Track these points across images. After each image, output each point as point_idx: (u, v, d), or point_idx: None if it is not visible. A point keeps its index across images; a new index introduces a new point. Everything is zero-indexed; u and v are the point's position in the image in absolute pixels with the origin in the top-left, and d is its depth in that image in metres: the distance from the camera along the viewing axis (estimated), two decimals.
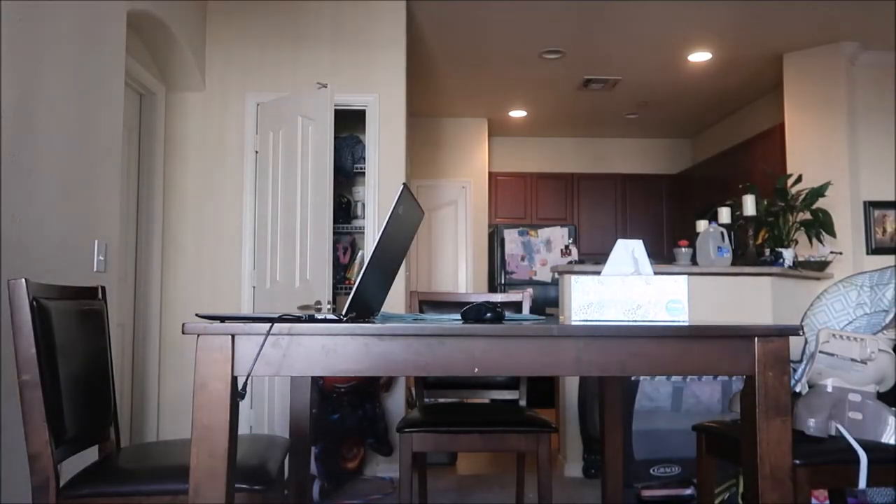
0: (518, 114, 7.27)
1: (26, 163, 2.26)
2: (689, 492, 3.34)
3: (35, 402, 1.52)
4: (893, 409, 1.99)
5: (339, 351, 1.33)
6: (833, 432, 1.97)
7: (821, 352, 2.05)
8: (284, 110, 3.99)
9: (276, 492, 1.82)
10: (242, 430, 3.98)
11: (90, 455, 1.91)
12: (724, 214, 4.42)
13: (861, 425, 1.97)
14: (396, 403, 4.21)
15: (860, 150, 5.32)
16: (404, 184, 1.52)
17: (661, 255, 7.60)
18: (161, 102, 4.08)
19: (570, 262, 5.52)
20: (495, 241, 7.09)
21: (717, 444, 2.17)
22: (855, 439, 1.92)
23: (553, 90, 6.45)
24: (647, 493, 3.33)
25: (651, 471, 3.34)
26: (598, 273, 4.13)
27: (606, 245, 7.75)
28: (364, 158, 4.66)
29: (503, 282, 6.99)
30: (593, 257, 7.23)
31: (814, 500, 3.03)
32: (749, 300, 4.12)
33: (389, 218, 1.43)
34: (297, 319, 1.36)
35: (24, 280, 1.55)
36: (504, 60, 5.66)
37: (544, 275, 6.95)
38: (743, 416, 1.45)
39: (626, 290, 1.67)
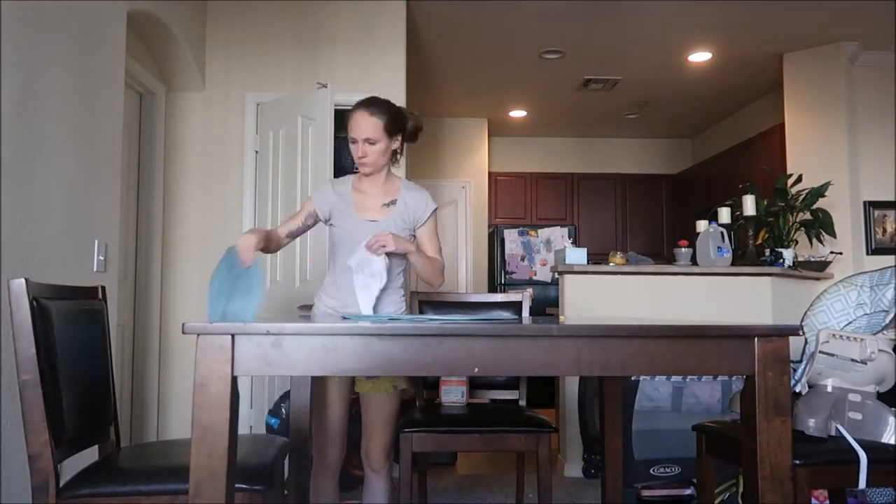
0: (518, 114, 7.27)
1: (26, 163, 2.25)
2: (689, 492, 3.34)
3: (35, 402, 1.52)
4: (893, 409, 1.98)
5: (339, 350, 1.33)
6: (833, 432, 1.97)
7: (821, 352, 2.05)
8: (284, 110, 3.98)
9: (276, 492, 1.82)
10: (242, 430, 3.98)
11: (90, 455, 1.91)
12: (724, 214, 4.42)
13: (861, 425, 1.97)
14: None
15: (860, 150, 5.32)
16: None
17: (661, 255, 7.59)
18: (161, 102, 4.08)
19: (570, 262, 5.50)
20: (495, 241, 7.08)
21: (717, 444, 2.17)
22: (855, 439, 1.92)
23: (553, 90, 6.45)
24: (647, 493, 3.33)
25: (651, 471, 3.33)
26: (598, 273, 4.14)
27: (606, 245, 7.75)
28: None
29: (503, 282, 6.99)
30: (594, 257, 7.21)
31: (814, 500, 3.03)
32: (749, 300, 4.12)
33: None
34: None
35: (24, 280, 1.54)
36: (504, 60, 5.66)
37: (544, 275, 6.95)
38: (743, 416, 1.45)
39: None
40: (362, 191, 2.36)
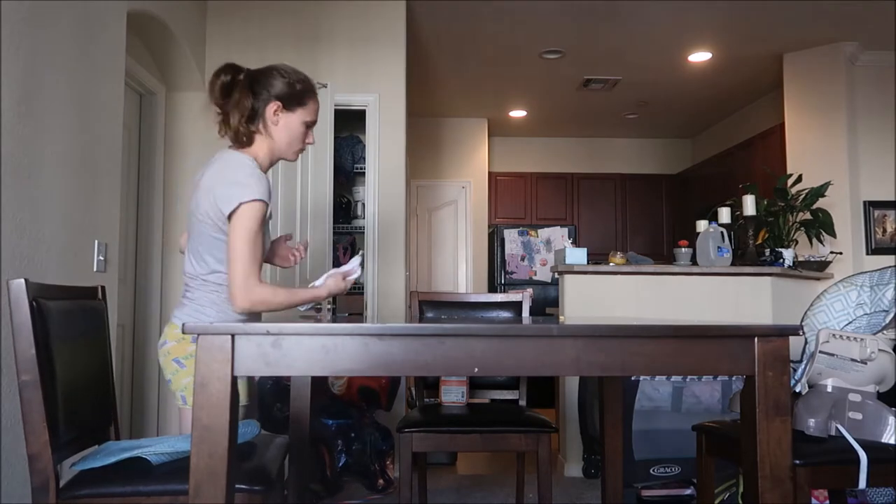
0: (518, 114, 7.27)
1: (26, 163, 2.25)
2: (689, 492, 3.34)
3: (35, 402, 1.52)
4: (893, 409, 1.98)
5: (339, 350, 1.33)
6: (833, 432, 1.97)
7: (821, 352, 2.05)
8: None
9: (276, 492, 1.82)
10: None
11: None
12: (724, 214, 4.42)
13: (861, 425, 1.97)
14: (396, 403, 4.20)
15: (860, 150, 5.32)
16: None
17: (661, 255, 7.59)
18: (161, 102, 4.07)
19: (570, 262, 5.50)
20: (495, 241, 7.09)
21: (717, 444, 2.17)
22: (855, 439, 1.92)
23: (553, 90, 6.45)
24: (647, 493, 3.33)
25: (651, 471, 3.33)
26: (598, 273, 4.14)
27: (606, 245, 7.75)
28: (364, 158, 4.66)
29: (503, 282, 6.99)
30: (593, 257, 7.22)
31: (814, 500, 3.03)
32: (749, 300, 4.11)
33: None
34: None
35: (23, 280, 1.54)
36: (504, 60, 5.66)
37: (544, 275, 6.95)
38: (743, 416, 1.45)
39: None
40: None
